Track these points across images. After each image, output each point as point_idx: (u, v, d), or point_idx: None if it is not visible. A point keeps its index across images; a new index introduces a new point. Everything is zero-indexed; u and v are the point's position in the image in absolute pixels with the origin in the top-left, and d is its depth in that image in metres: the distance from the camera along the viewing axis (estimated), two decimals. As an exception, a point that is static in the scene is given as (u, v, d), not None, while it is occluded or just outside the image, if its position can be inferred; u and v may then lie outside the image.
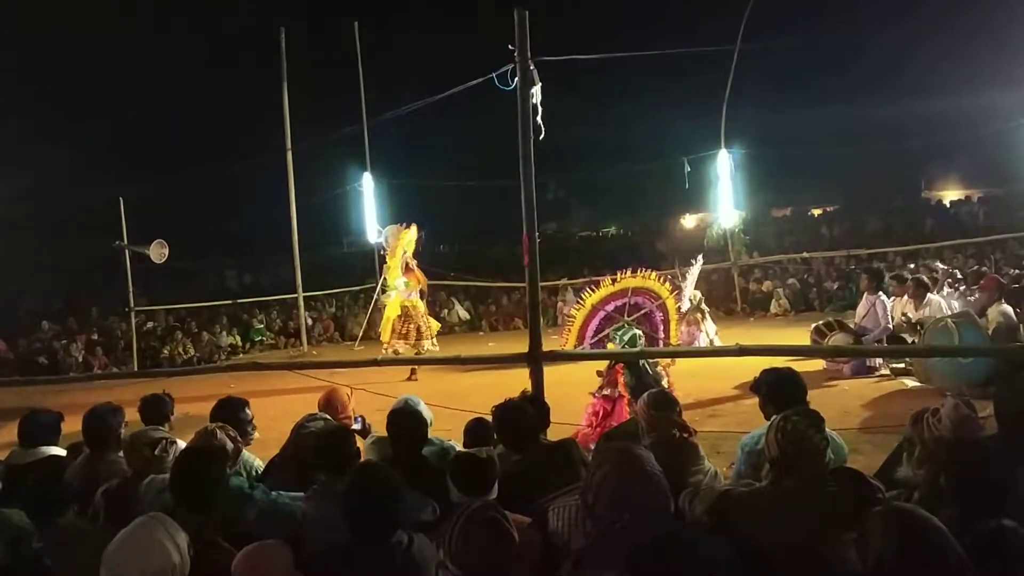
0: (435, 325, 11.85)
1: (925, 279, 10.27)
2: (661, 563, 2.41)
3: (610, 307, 6.28)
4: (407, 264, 11.38)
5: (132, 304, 15.57)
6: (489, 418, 4.46)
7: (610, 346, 6.21)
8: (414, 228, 11.74)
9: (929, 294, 9.73)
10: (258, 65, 19.16)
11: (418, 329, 11.32)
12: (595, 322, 6.28)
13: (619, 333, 6.20)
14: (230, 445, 3.78)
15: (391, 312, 11.37)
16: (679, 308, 11.38)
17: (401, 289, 11.33)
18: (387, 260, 11.49)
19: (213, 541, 3.06)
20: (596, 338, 6.28)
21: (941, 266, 14.54)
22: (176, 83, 27.02)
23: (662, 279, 6.60)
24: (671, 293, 6.75)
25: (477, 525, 2.47)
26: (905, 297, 9.82)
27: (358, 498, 2.97)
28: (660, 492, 2.59)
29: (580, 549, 2.62)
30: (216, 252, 25.09)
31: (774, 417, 3.23)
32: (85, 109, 27.22)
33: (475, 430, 4.36)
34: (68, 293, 24.94)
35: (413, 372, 11.13)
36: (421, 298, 11.61)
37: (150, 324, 18.86)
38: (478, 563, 2.38)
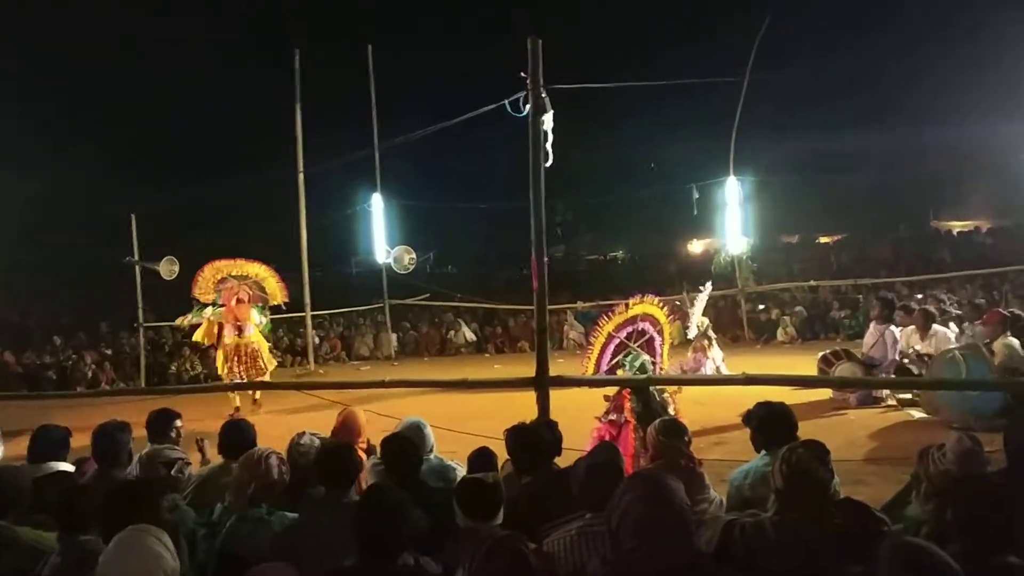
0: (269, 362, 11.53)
1: (932, 310, 10.25)
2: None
3: (622, 334, 6.29)
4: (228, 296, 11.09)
5: (141, 320, 15.63)
6: (493, 443, 4.47)
7: (620, 372, 6.21)
8: (258, 266, 11.51)
9: (935, 325, 9.72)
10: (272, 86, 19.34)
11: (255, 362, 11.16)
12: (610, 349, 6.28)
13: (628, 359, 6.20)
14: (274, 475, 3.74)
15: (257, 342, 11.17)
16: (686, 334, 11.44)
17: (202, 316, 11.13)
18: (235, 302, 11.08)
19: None
20: (609, 365, 6.28)
21: (947, 298, 14.50)
22: (191, 102, 27.31)
23: (661, 304, 6.61)
24: (668, 319, 6.77)
25: (502, 554, 2.47)
26: (911, 327, 9.81)
27: (368, 518, 2.99)
28: (684, 525, 2.59)
29: None
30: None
31: (781, 449, 3.23)
32: (99, 125, 27.46)
33: (479, 459, 4.36)
34: (78, 308, 25.05)
35: (256, 402, 10.93)
36: (239, 334, 11.16)
37: (163, 341, 18.92)
38: None
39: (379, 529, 2.95)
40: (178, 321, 11.86)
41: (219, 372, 11.19)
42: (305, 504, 3.76)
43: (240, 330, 11.06)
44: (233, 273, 11.29)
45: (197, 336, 11.38)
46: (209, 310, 11.13)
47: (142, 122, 27.72)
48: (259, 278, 11.47)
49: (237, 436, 4.58)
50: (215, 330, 11.12)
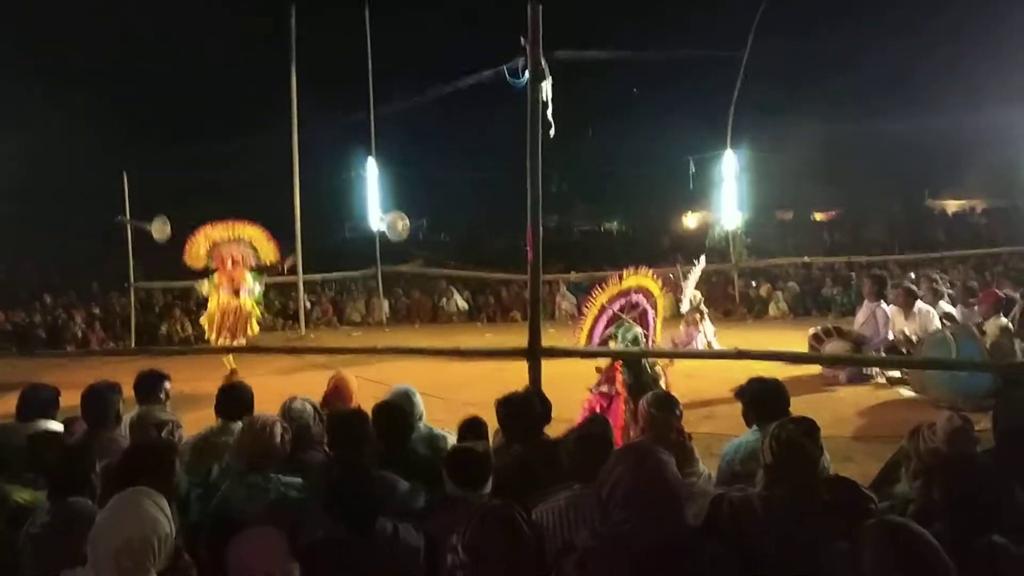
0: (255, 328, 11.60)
1: (914, 288, 10.24)
2: (664, 568, 2.41)
3: (616, 306, 6.27)
4: (222, 260, 11.04)
5: (132, 280, 15.54)
6: (483, 412, 4.47)
7: (612, 344, 6.21)
8: (247, 227, 11.33)
9: (919, 302, 9.73)
10: (268, 45, 19.10)
11: (244, 326, 11.16)
12: (603, 321, 6.28)
13: (621, 331, 6.19)
14: (276, 443, 3.72)
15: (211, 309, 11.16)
16: (679, 308, 11.44)
17: (205, 285, 11.14)
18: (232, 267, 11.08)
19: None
20: (602, 337, 6.27)
21: (940, 277, 14.53)
22: (185, 60, 26.97)
23: (655, 277, 6.58)
24: (662, 291, 6.74)
25: (497, 520, 2.47)
26: (895, 307, 9.82)
27: (338, 490, 3.02)
28: (676, 498, 2.60)
29: (586, 547, 2.62)
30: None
31: (771, 425, 3.24)
32: (91, 82, 27.12)
33: (470, 429, 4.36)
34: (68, 266, 24.93)
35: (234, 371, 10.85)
36: (236, 295, 11.14)
37: (154, 301, 18.85)
38: (488, 555, 2.39)
39: (349, 499, 2.97)
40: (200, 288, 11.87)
41: (206, 333, 11.12)
42: (308, 471, 3.75)
43: (237, 292, 11.05)
44: (225, 238, 11.17)
45: (206, 322, 11.35)
46: (206, 283, 11.09)
47: (136, 82, 27.35)
48: (250, 239, 11.35)
49: (234, 398, 4.58)
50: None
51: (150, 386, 5.00)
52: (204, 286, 11.09)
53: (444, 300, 20.37)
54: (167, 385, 5.11)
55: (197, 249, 11.00)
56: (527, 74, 5.62)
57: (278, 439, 3.70)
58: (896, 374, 9.19)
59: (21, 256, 23.50)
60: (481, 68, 6.19)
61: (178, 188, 23.22)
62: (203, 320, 11.22)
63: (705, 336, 11.42)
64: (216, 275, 10.99)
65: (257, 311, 11.40)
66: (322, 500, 3.11)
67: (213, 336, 10.93)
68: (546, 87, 5.60)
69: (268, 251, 11.36)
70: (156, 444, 3.82)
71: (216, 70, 27.24)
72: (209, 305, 11.13)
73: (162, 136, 28.22)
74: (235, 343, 10.83)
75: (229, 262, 10.99)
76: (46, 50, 24.86)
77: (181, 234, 12.03)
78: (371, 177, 17.09)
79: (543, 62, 5.57)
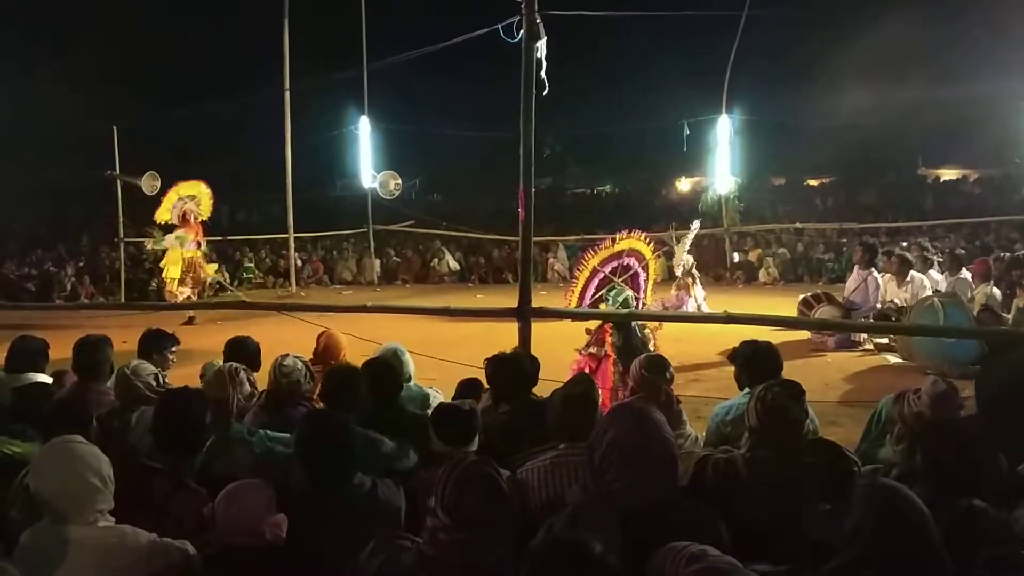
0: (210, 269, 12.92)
1: (909, 256, 10.27)
2: (652, 526, 2.43)
3: (607, 268, 6.26)
4: (184, 215, 12.10)
5: (122, 235, 15.45)
6: (471, 372, 4.49)
7: (602, 306, 6.21)
8: (202, 185, 12.44)
9: (912, 271, 9.76)
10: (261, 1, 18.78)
11: (195, 278, 12.20)
12: (594, 283, 6.27)
13: (612, 294, 6.18)
14: (247, 388, 3.71)
15: (175, 261, 12.01)
16: (672, 272, 11.46)
17: (172, 241, 12.02)
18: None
19: (184, 483, 3.08)
20: (593, 299, 6.27)
21: (931, 246, 14.56)
22: (177, 14, 26.57)
23: (648, 240, 6.57)
24: (654, 255, 6.74)
25: (473, 478, 2.48)
26: (888, 275, 9.86)
27: (308, 446, 3.03)
28: (672, 458, 2.61)
29: (578, 504, 2.64)
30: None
31: (757, 387, 3.26)
32: (83, 35, 26.67)
33: (466, 389, 4.38)
34: (58, 220, 24.73)
35: (192, 318, 11.57)
36: (198, 247, 12.35)
37: (143, 257, 18.76)
38: (469, 515, 2.40)
39: (321, 456, 2.98)
40: (148, 244, 13.15)
41: (169, 282, 11.95)
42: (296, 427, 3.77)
43: (199, 245, 12.23)
44: (187, 194, 12.24)
45: (173, 274, 12.00)
46: (171, 237, 12.02)
47: (127, 37, 26.85)
48: (199, 195, 12.37)
49: (242, 351, 4.62)
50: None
51: (159, 345, 4.96)
52: (167, 240, 12.05)
53: (436, 260, 20.33)
54: (173, 348, 5.05)
55: (168, 205, 12.07)
56: (522, 33, 5.55)
57: (247, 383, 3.71)
58: (884, 340, 9.25)
59: (10, 211, 23.25)
60: (478, 24, 6.07)
61: (169, 144, 22.99)
62: (168, 274, 12.01)
63: (696, 300, 11.46)
64: (183, 231, 11.97)
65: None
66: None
67: (176, 288, 11.87)
68: (541, 46, 5.53)
69: (207, 208, 12.41)
70: (190, 398, 3.81)
71: (208, 25, 26.83)
72: (173, 257, 12.03)
73: (154, 91, 27.83)
74: (196, 292, 12.08)
75: (192, 217, 12.08)
76: (36, 4, 24.42)
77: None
78: (364, 135, 16.95)
79: (538, 21, 5.50)
